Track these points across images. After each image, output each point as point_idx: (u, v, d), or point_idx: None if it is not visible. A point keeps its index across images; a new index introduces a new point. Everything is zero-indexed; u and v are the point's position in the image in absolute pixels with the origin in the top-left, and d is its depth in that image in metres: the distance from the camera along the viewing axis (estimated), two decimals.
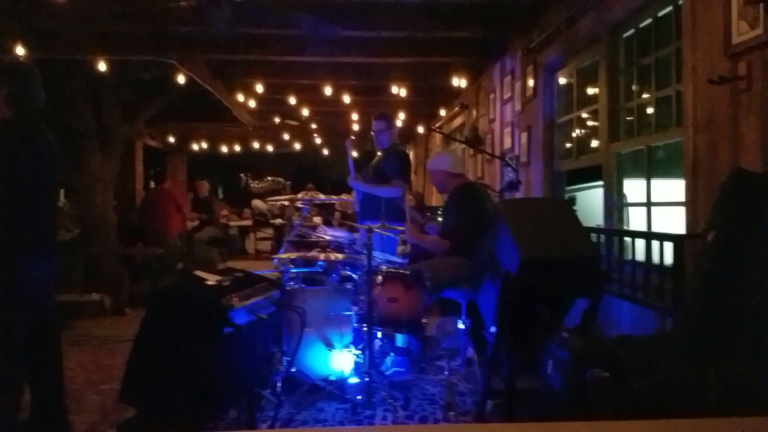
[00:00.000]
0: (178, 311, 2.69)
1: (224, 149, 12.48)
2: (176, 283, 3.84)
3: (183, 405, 2.52)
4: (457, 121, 8.84)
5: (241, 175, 13.09)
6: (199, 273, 3.04)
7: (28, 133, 2.70)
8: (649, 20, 3.65)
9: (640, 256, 3.34)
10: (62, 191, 6.72)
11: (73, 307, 5.68)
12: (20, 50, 5.03)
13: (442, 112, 9.21)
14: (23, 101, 2.70)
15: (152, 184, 11.13)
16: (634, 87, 3.94)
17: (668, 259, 2.94)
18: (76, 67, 6.11)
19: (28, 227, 2.66)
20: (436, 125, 9.47)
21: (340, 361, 3.43)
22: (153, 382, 2.62)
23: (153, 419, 2.58)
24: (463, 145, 7.76)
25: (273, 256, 4.21)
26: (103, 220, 6.87)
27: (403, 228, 4.03)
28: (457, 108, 8.35)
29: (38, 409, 2.82)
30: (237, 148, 12.56)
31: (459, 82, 7.01)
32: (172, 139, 11.10)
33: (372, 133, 4.87)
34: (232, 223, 12.07)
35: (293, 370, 3.29)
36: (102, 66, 5.69)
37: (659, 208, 3.63)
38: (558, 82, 5.07)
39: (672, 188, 3.74)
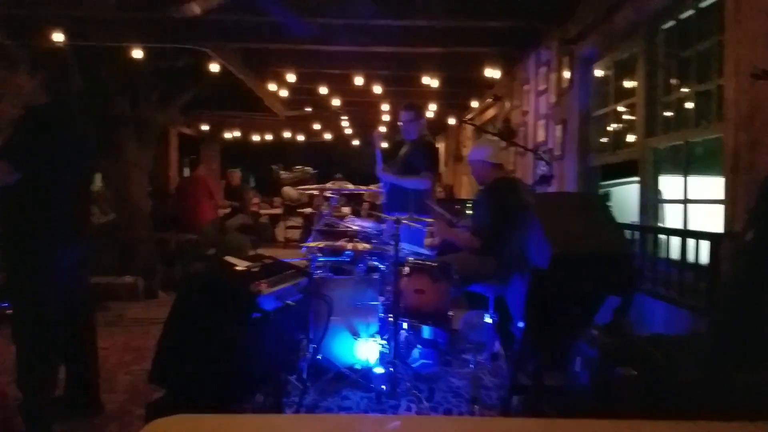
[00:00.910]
0: (207, 296, 2.73)
1: (256, 138, 12.61)
2: (206, 268, 3.91)
3: (210, 387, 2.57)
4: (490, 113, 8.74)
5: (273, 166, 13.31)
6: (229, 259, 3.08)
7: (63, 118, 2.75)
8: (691, 11, 3.54)
9: (675, 254, 3.26)
10: (99, 176, 6.87)
11: (108, 289, 5.83)
12: (59, 37, 5.14)
13: (474, 104, 9.11)
14: (58, 87, 2.76)
15: (186, 172, 11.31)
16: (673, 81, 3.83)
17: (704, 258, 2.87)
18: (112, 55, 6.23)
19: (60, 211, 2.73)
20: (468, 117, 9.39)
21: (366, 350, 3.45)
22: (181, 364, 2.67)
23: (180, 400, 2.64)
24: (497, 138, 7.68)
25: (301, 245, 4.24)
26: (138, 205, 7.01)
27: (430, 219, 4.00)
28: (489, 99, 8.25)
29: (72, 388, 2.90)
30: (269, 137, 12.68)
31: (492, 73, 6.91)
32: (206, 127, 11.26)
33: (400, 123, 4.83)
34: (262, 212, 12.20)
35: (319, 357, 3.32)
36: (138, 54, 5.79)
37: (696, 206, 3.54)
38: (594, 75, 4.96)
39: (710, 185, 3.64)
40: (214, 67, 6.41)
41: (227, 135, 12.09)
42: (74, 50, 5.40)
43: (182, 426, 1.27)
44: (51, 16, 5.16)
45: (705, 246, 2.84)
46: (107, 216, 6.50)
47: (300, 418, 2.47)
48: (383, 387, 3.21)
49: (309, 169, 13.00)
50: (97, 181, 6.82)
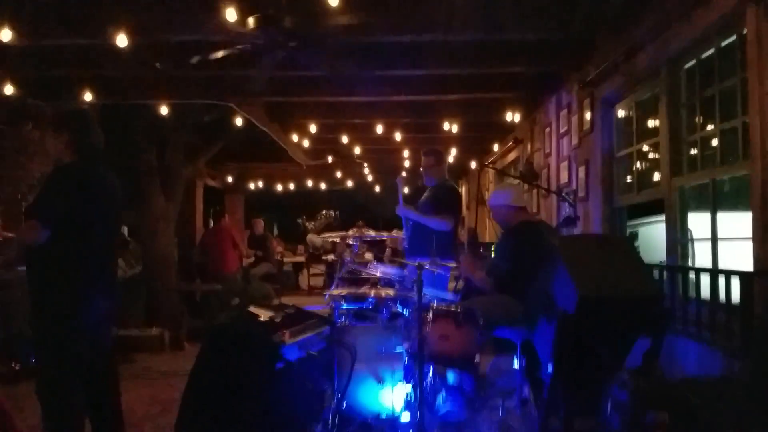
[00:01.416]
0: (231, 347, 2.74)
1: (279, 188, 12.83)
2: (230, 320, 3.92)
3: None
4: (511, 156, 8.77)
5: (298, 220, 13.63)
6: (252, 309, 3.09)
7: (89, 175, 2.86)
8: (712, 51, 3.54)
9: (706, 293, 3.17)
10: (126, 229, 7.02)
11: (134, 341, 5.86)
12: (88, 97, 5.36)
13: (495, 147, 9.16)
14: (83, 145, 2.89)
15: (212, 222, 11.49)
16: (697, 119, 3.81)
17: (736, 297, 2.79)
18: (141, 112, 6.46)
19: (88, 267, 2.78)
20: (489, 160, 9.42)
21: (391, 398, 3.38)
22: (207, 417, 2.65)
23: None
24: (518, 180, 7.67)
25: (325, 292, 4.23)
26: (165, 256, 7.11)
27: (453, 264, 3.97)
28: (510, 143, 8.29)
29: None
30: (291, 186, 12.89)
31: (513, 116, 6.96)
32: (230, 179, 11.50)
33: (421, 169, 4.87)
34: (286, 260, 12.29)
35: (344, 406, 3.26)
36: (165, 110, 5.99)
37: (726, 244, 3.46)
38: (617, 116, 4.96)
39: (740, 222, 3.56)
40: (239, 121, 6.60)
41: (251, 185, 12.32)
42: (102, 106, 5.63)
43: None
44: (81, 77, 5.38)
45: (736, 284, 2.76)
46: (133, 269, 6.61)
47: None
48: None
49: (331, 212, 13.24)
50: (125, 235, 6.95)
